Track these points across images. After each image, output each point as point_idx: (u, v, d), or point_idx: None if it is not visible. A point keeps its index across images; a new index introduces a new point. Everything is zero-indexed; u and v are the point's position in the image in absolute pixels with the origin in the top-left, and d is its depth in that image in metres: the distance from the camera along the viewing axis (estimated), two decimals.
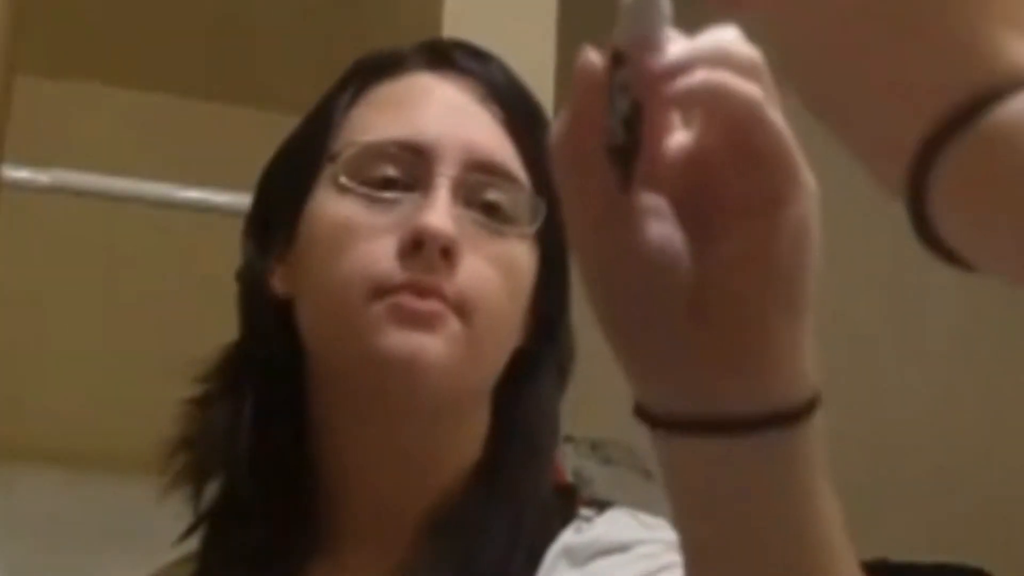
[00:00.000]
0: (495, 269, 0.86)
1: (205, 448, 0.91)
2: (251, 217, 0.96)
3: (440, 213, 0.84)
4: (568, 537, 0.86)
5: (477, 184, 0.87)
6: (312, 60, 2.50)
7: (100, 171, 1.83)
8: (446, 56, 0.93)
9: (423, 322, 0.83)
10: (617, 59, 0.47)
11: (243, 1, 2.45)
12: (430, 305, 0.83)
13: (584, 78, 0.48)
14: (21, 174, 1.72)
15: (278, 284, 0.91)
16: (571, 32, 1.79)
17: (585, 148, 0.49)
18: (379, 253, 0.84)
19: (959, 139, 0.38)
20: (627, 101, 0.47)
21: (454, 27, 1.68)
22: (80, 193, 1.83)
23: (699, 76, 0.47)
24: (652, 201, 0.50)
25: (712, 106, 0.48)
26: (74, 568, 2.27)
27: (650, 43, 0.47)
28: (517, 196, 0.89)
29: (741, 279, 0.49)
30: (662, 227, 0.49)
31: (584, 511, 0.89)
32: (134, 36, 2.51)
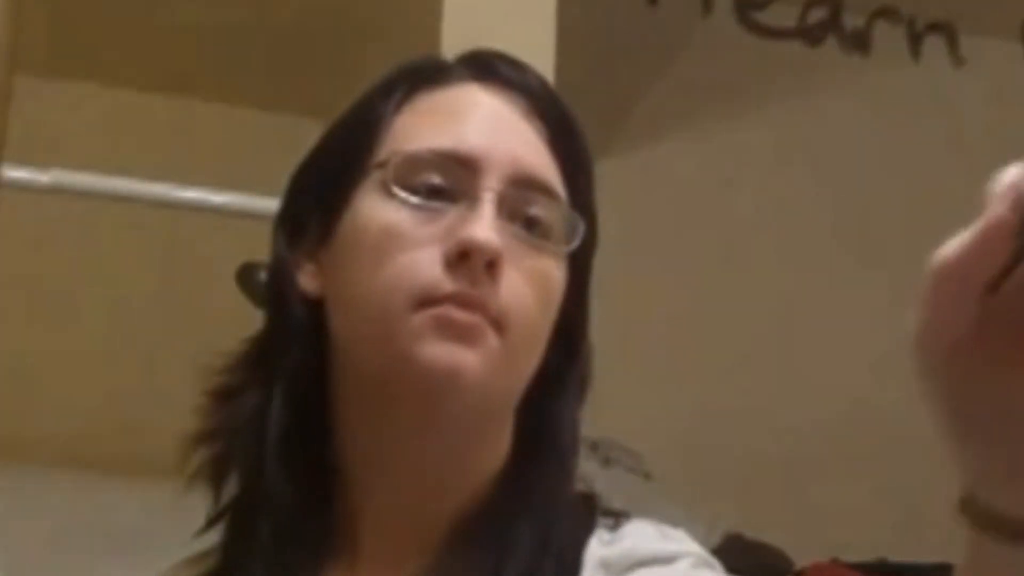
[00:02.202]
0: (532, 284, 0.87)
1: (229, 439, 0.91)
2: (283, 214, 0.95)
3: (486, 226, 0.84)
4: (599, 548, 0.86)
5: (520, 199, 0.88)
6: (312, 60, 2.50)
7: (100, 171, 1.83)
8: (491, 67, 0.93)
9: (465, 335, 0.83)
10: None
11: (243, 2, 2.45)
12: (473, 318, 0.83)
13: (993, 215, 0.51)
14: (21, 174, 1.72)
15: (307, 282, 0.91)
16: (571, 32, 1.80)
17: (971, 273, 0.52)
18: (425, 262, 0.84)
19: None
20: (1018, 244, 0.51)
21: (454, 28, 1.68)
22: (80, 193, 1.83)
23: None
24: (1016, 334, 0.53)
25: None
26: (77, 569, 2.27)
27: None
28: (557, 213, 0.89)
29: None
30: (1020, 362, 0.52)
31: (603, 520, 0.89)
32: (134, 36, 2.52)
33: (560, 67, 1.63)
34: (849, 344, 2.74)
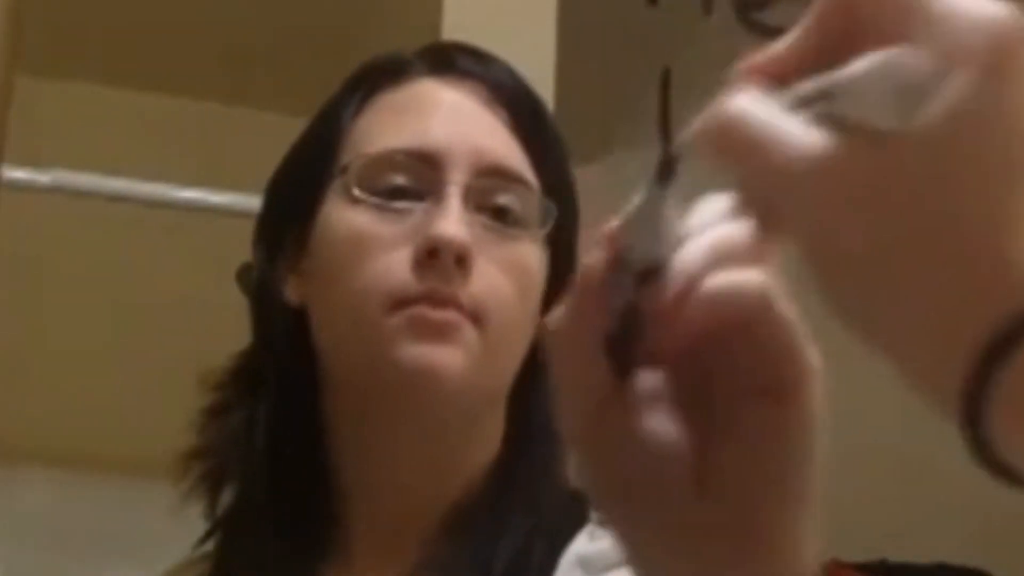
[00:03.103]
0: (507, 273, 0.86)
1: (221, 455, 0.91)
2: (261, 225, 0.96)
3: (453, 221, 0.84)
4: (582, 545, 0.86)
5: (487, 189, 0.87)
6: (312, 61, 2.50)
7: (100, 171, 1.83)
8: (449, 60, 0.93)
9: (441, 333, 0.83)
10: (619, 260, 0.46)
11: (243, 1, 2.45)
12: (447, 315, 0.83)
13: (587, 274, 0.47)
14: (21, 174, 1.72)
15: (291, 294, 0.91)
16: (571, 32, 1.80)
17: (584, 337, 0.47)
18: (394, 264, 0.84)
19: (1016, 355, 0.37)
20: (627, 296, 0.46)
21: (454, 28, 1.68)
22: (80, 193, 1.83)
23: (706, 290, 0.45)
24: (652, 387, 0.48)
25: (720, 307, 0.46)
26: (73, 570, 2.27)
27: (656, 263, 0.46)
28: (527, 199, 0.89)
29: (741, 467, 0.47)
30: (661, 413, 0.48)
31: (594, 515, 0.89)
32: (134, 36, 2.51)
33: (560, 67, 1.63)
34: (850, 345, 2.73)
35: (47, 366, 2.46)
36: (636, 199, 0.48)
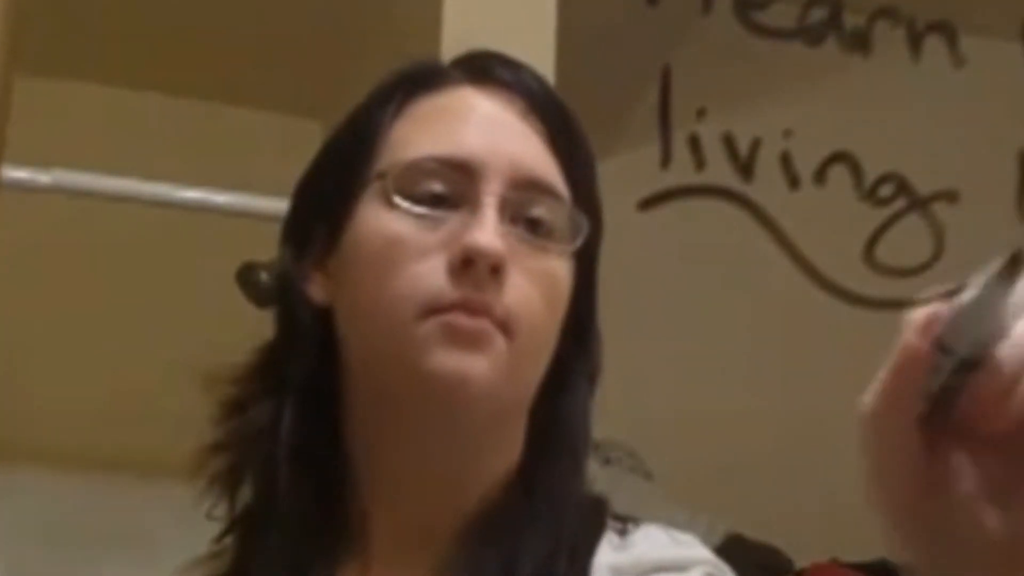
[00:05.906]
0: (538, 286, 0.87)
1: (242, 449, 0.91)
2: (289, 224, 0.96)
3: (489, 231, 0.84)
4: (609, 553, 0.87)
5: (522, 201, 0.88)
6: (312, 60, 2.50)
7: (100, 171, 1.83)
8: (486, 69, 0.93)
9: (472, 341, 0.84)
10: (942, 344, 0.49)
11: (243, 2, 2.46)
12: (480, 324, 0.84)
13: (908, 354, 0.49)
14: (21, 174, 1.72)
15: (316, 292, 0.91)
16: (571, 32, 1.80)
17: (900, 416, 0.50)
18: (429, 271, 0.85)
19: None
20: (942, 379, 0.49)
21: (454, 28, 1.68)
22: (80, 193, 1.83)
23: None
24: (960, 461, 0.50)
25: None
26: (74, 569, 2.27)
27: (983, 352, 0.48)
28: (560, 212, 0.89)
29: None
30: (977, 488, 0.50)
31: (612, 524, 0.89)
32: (134, 36, 2.52)
33: (560, 67, 1.63)
34: (850, 343, 2.74)
35: (47, 365, 2.47)
36: (972, 288, 0.49)
